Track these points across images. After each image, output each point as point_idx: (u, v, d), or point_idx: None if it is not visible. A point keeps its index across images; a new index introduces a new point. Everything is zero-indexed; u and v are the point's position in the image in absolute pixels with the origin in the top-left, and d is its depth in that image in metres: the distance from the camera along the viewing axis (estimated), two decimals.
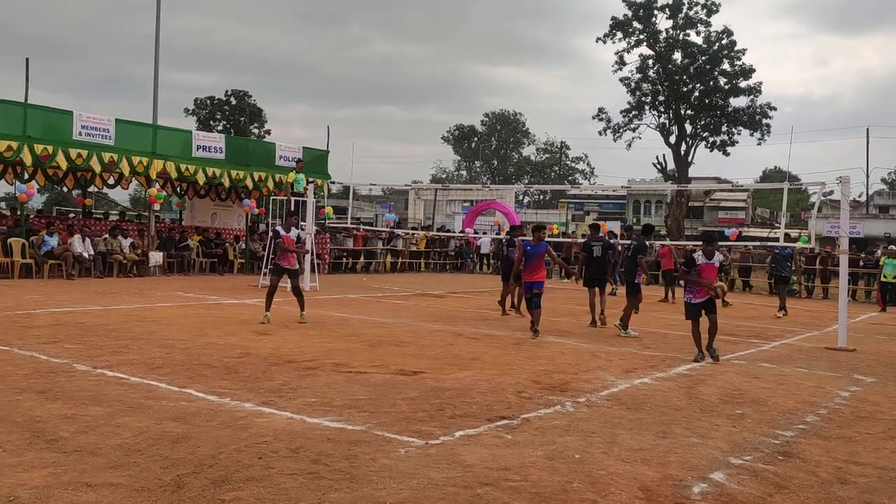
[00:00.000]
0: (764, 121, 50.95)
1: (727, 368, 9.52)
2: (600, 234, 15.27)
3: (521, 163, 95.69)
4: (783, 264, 18.16)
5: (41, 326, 10.37)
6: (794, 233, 23.38)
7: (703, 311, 10.10)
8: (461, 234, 31.84)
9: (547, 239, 12.87)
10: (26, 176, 21.26)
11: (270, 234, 13.35)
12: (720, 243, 11.55)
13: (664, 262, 20.86)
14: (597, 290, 13.98)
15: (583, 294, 21.06)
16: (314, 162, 25.86)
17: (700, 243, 10.90)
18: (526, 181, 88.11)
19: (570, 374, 8.55)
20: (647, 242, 14.81)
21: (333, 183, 25.46)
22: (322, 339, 10.37)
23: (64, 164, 19.69)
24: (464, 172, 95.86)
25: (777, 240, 21.17)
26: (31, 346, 8.72)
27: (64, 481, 4.38)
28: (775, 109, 51.12)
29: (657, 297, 20.62)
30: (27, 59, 20.82)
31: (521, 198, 73.75)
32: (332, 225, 26.98)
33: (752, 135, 51.48)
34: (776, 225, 52.40)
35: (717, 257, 10.18)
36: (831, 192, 36.21)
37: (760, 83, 50.56)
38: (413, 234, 31.63)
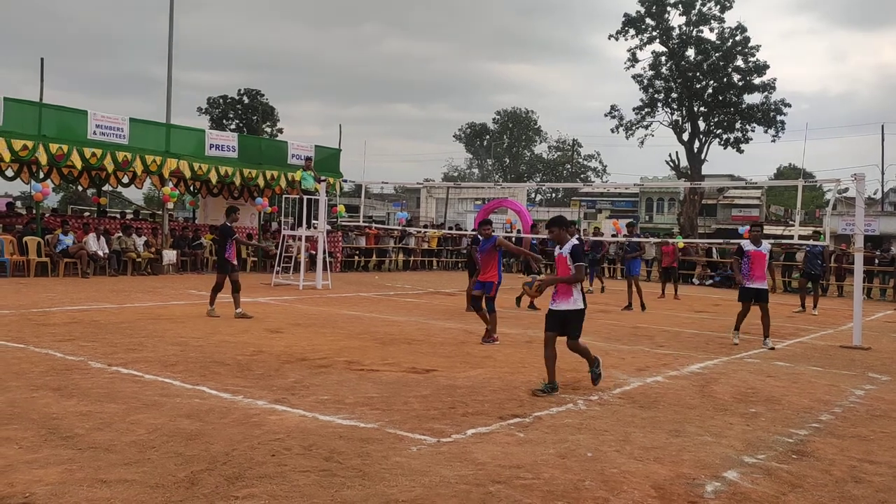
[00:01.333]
0: (778, 118, 50.59)
1: (741, 367, 9.47)
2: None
3: (532, 161, 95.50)
4: (814, 262, 18.12)
5: (56, 324, 10.45)
6: (806, 230, 23.09)
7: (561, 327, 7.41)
8: (473, 233, 31.85)
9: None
10: (41, 175, 21.43)
11: (218, 230, 13.46)
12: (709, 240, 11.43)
13: (666, 259, 20.86)
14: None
15: (597, 292, 21.02)
16: (326, 160, 25.92)
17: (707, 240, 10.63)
18: (538, 179, 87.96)
19: (582, 373, 8.52)
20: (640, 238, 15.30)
21: (345, 181, 25.52)
22: (334, 337, 10.40)
23: (78, 164, 19.84)
24: (476, 170, 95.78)
25: (791, 237, 21.05)
26: (47, 344, 8.80)
27: (79, 478, 4.42)
28: (790, 106, 50.73)
29: (656, 293, 20.52)
30: (42, 59, 20.94)
31: (533, 196, 73.60)
32: (344, 223, 27.01)
33: (766, 132, 51.10)
34: (791, 223, 52.09)
35: (569, 245, 7.46)
36: (846, 190, 35.95)
37: (774, 80, 50.21)
38: (425, 232, 31.62)
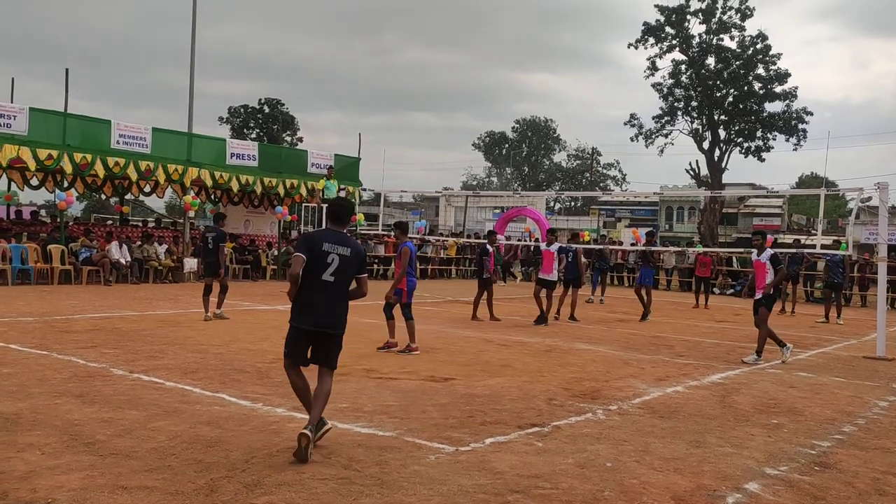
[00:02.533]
0: (800, 126, 50.15)
1: (762, 377, 9.38)
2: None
3: (551, 169, 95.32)
4: (835, 271, 17.98)
5: (79, 331, 10.57)
6: (828, 240, 22.77)
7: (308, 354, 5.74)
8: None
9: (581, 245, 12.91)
10: (66, 184, 21.73)
11: (209, 234, 13.37)
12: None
13: (703, 270, 20.78)
14: (571, 289, 15.64)
15: (616, 301, 20.93)
16: (346, 169, 26.06)
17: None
18: (557, 188, 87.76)
19: (601, 382, 8.49)
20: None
21: (365, 190, 25.68)
22: (353, 345, 10.40)
23: (102, 173, 20.10)
24: (495, 179, 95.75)
25: (814, 247, 20.85)
26: (70, 351, 8.89)
27: (100, 484, 4.46)
28: (811, 114, 50.24)
29: (691, 303, 20.41)
30: (66, 70, 21.30)
31: (552, 204, 73.44)
32: (363, 232, 27.06)
33: (787, 140, 50.67)
34: (813, 232, 51.48)
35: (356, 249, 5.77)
36: (869, 199, 35.44)
37: (796, 88, 49.76)
38: (444, 240, 31.64)
